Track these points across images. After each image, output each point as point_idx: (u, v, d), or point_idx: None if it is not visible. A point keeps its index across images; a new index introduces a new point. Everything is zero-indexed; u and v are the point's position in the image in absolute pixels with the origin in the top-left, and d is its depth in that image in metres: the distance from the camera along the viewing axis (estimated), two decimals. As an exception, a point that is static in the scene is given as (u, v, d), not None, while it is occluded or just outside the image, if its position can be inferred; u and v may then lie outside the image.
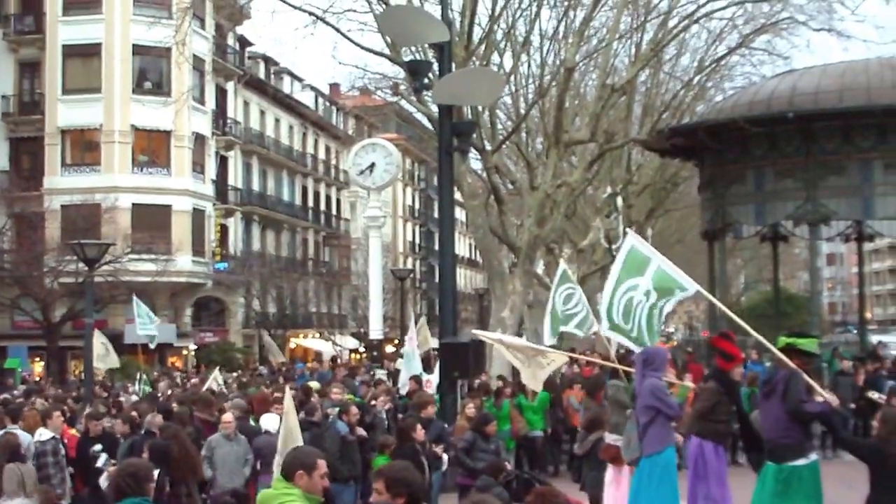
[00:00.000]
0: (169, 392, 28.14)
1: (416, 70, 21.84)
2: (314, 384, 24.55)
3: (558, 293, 17.68)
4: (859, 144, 32.20)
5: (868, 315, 66.17)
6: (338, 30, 30.19)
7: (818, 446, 24.35)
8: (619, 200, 45.91)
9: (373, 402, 21.44)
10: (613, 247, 41.86)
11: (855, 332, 44.84)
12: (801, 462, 12.63)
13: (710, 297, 15.68)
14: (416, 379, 23.46)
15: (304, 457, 8.34)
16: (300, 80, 79.47)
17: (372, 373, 30.54)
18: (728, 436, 15.46)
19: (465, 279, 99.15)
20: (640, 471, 13.21)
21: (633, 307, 13.76)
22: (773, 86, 34.04)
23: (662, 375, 13.57)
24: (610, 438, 15.25)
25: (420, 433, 15.60)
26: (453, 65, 23.35)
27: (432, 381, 23.38)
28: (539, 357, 15.70)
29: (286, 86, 76.75)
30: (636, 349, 13.92)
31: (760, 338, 14.41)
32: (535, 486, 12.99)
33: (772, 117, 32.22)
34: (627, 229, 18.23)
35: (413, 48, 29.71)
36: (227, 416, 17.24)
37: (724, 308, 16.35)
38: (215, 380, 28.21)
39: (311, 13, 29.84)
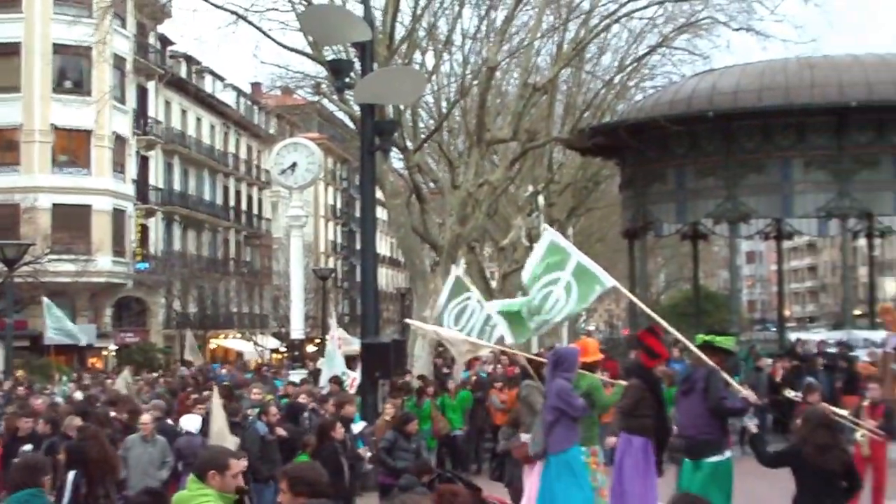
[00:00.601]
0: (79, 394, 27.70)
1: (337, 69, 21.77)
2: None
3: (448, 310, 17.09)
4: (778, 143, 32.57)
5: (787, 312, 66.95)
6: (259, 29, 30.02)
7: (736, 442, 24.72)
8: (541, 199, 46.09)
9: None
10: (535, 245, 41.95)
11: (774, 329, 45.33)
12: (717, 458, 12.75)
13: (628, 293, 15.75)
14: (336, 379, 23.27)
15: (217, 457, 8.33)
16: (222, 79, 78.97)
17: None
18: (654, 431, 15.53)
19: (387, 279, 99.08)
20: (547, 469, 13.25)
21: (551, 300, 13.77)
22: (693, 85, 34.32)
23: (572, 376, 13.57)
24: (525, 438, 15.28)
25: (339, 432, 15.52)
26: (375, 64, 23.29)
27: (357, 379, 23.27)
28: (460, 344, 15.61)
29: (208, 85, 76.22)
30: (509, 339, 13.88)
31: (679, 335, 14.49)
32: (457, 484, 12.95)
33: (692, 116, 32.50)
34: (545, 225, 18.05)
35: (335, 47, 29.61)
36: (145, 418, 17.02)
37: (641, 305, 16.44)
38: (124, 380, 27.93)
39: (232, 12, 29.66)
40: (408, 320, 18.19)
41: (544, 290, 13.87)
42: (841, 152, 32.01)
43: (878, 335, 30.11)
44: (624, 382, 15.68)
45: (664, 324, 14.25)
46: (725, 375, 12.89)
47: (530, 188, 45.84)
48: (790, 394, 23.26)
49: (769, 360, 28.13)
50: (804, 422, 11.25)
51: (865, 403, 15.62)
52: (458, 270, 17.69)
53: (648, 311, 15.28)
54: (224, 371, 35.55)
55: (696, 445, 12.92)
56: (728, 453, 12.96)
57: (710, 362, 12.78)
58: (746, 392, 13.19)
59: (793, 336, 36.97)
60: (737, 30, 34.30)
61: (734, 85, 32.88)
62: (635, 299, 17.42)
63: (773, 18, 34.06)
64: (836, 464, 10.76)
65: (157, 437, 16.71)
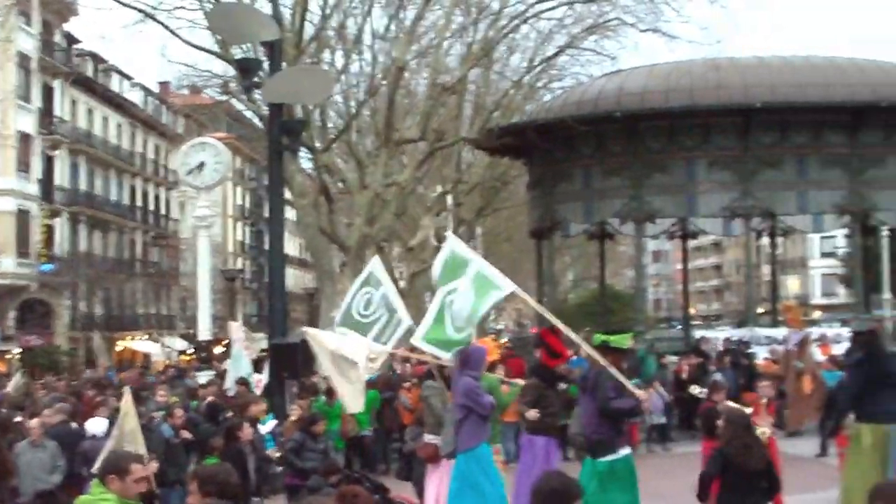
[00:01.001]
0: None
1: (245, 68, 21.62)
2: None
3: (360, 294, 16.82)
4: (684, 143, 32.98)
5: (692, 311, 67.68)
6: (167, 27, 29.83)
7: (643, 440, 24.97)
8: (449, 199, 46.16)
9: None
10: (443, 245, 41.98)
11: (679, 327, 45.81)
12: (611, 457, 12.83)
13: (526, 296, 15.73)
14: (242, 381, 23.03)
15: (118, 461, 8.29)
16: (129, 77, 78.02)
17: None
18: (558, 429, 15.65)
19: (296, 279, 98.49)
20: (457, 467, 13.29)
21: (453, 306, 13.75)
22: (600, 86, 34.60)
23: (479, 374, 13.62)
24: (428, 438, 15.32)
25: (247, 433, 15.43)
26: (284, 63, 23.20)
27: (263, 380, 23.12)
28: (351, 371, 15.39)
29: (115, 84, 75.28)
30: (445, 356, 13.80)
31: (573, 335, 14.59)
32: (364, 485, 12.94)
33: (599, 117, 32.80)
34: (448, 233, 17.99)
35: (243, 46, 29.43)
36: (33, 422, 16.77)
37: (536, 305, 16.63)
38: (16, 383, 27.54)
39: (140, 10, 29.47)
40: (305, 328, 17.95)
41: (450, 298, 13.83)
42: (745, 153, 32.50)
43: (781, 332, 30.57)
44: (518, 381, 15.76)
45: (559, 324, 14.28)
46: (619, 375, 12.95)
47: (439, 188, 45.90)
48: (695, 391, 23.64)
49: (674, 358, 28.44)
50: (727, 423, 11.28)
51: (763, 401, 15.81)
52: (375, 264, 17.52)
53: (544, 311, 15.31)
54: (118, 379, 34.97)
55: (591, 444, 13.03)
56: (623, 451, 13.01)
57: (604, 362, 12.85)
58: (639, 392, 13.28)
59: (697, 334, 37.40)
60: (644, 31, 34.68)
61: (641, 86, 33.21)
62: (532, 301, 17.33)
63: (679, 20, 34.53)
64: (762, 463, 10.84)
65: (47, 442, 16.44)
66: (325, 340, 15.40)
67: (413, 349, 15.59)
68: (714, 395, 15.84)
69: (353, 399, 15.31)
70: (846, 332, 29.55)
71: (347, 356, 14.81)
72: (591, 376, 13.17)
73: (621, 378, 12.99)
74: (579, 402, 14.18)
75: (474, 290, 13.44)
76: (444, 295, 13.59)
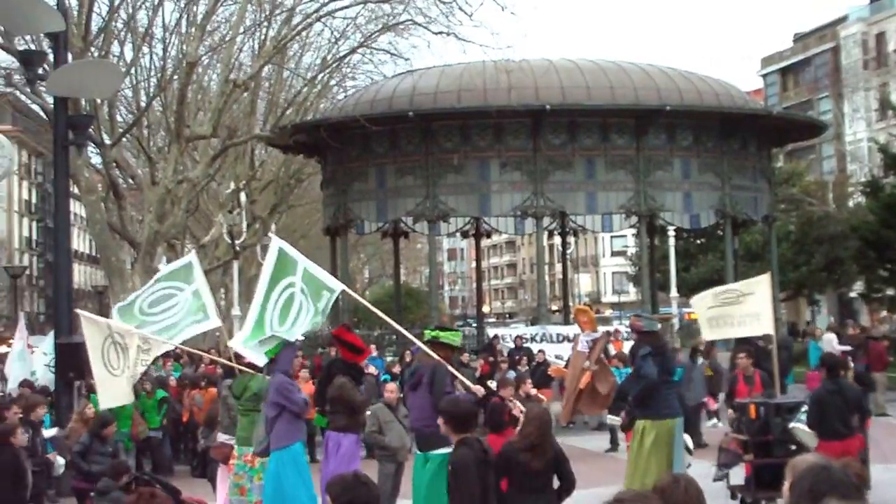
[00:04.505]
0: None
1: (29, 60, 21.08)
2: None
3: (155, 288, 16.27)
4: (476, 143, 33.36)
5: (486, 309, 68.60)
6: (-55, 15, 28.67)
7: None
8: (243, 196, 45.70)
9: None
10: (237, 242, 41.60)
11: (474, 325, 46.30)
12: (445, 450, 12.91)
13: (357, 296, 15.79)
14: (27, 382, 22.35)
15: None
16: None
17: None
18: (362, 427, 15.64)
19: (85, 276, 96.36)
20: (270, 466, 13.20)
21: (293, 303, 13.65)
22: (394, 85, 34.73)
23: (289, 371, 13.61)
24: (222, 437, 15.16)
25: (20, 439, 14.93)
26: (70, 55, 22.62)
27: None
28: (141, 357, 15.08)
29: None
30: (261, 361, 13.69)
31: (405, 332, 14.72)
32: (155, 486, 12.70)
33: (393, 116, 32.92)
34: (271, 234, 17.82)
35: (28, 37, 28.59)
36: None
37: (369, 305, 16.63)
38: None
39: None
40: (79, 311, 17.43)
41: (285, 294, 13.71)
42: (536, 154, 33.02)
43: (572, 330, 31.21)
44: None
45: (392, 322, 14.44)
46: (452, 370, 13.20)
47: (232, 185, 45.39)
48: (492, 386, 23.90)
49: (468, 355, 28.73)
50: (527, 419, 11.23)
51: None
52: (190, 258, 17.14)
53: (378, 311, 15.52)
54: None
55: (423, 438, 13.14)
56: None
57: (437, 357, 13.04)
58: (474, 387, 13.51)
59: (491, 332, 37.85)
60: (437, 33, 34.82)
61: (434, 86, 33.47)
62: (362, 300, 17.42)
63: (471, 24, 34.73)
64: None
65: None
66: (101, 321, 15.15)
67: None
68: (502, 390, 16.00)
69: (110, 393, 15.03)
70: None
71: (122, 331, 14.58)
72: (424, 371, 13.27)
73: (455, 373, 13.20)
74: (406, 398, 14.33)
75: (308, 290, 13.42)
76: (280, 291, 13.50)
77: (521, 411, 14.53)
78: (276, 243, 14.38)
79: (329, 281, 14.00)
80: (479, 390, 13.56)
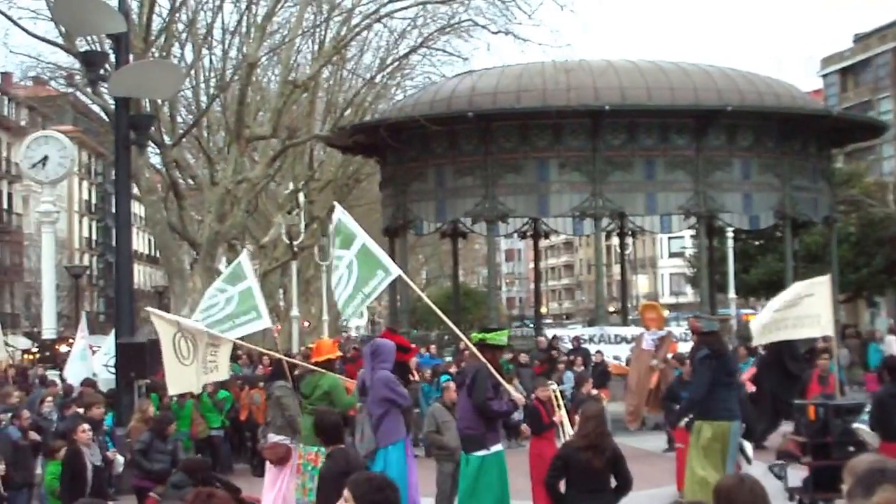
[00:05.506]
0: None
1: (91, 61, 21.23)
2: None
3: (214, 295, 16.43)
4: (535, 144, 33.25)
5: (543, 310, 68.43)
6: (8, 17, 28.99)
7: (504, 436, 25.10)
8: (302, 196, 45.90)
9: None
10: (295, 243, 41.77)
11: (532, 326, 46.20)
12: (482, 453, 12.93)
13: (418, 290, 15.78)
14: (88, 381, 22.52)
15: None
16: (-31, 68, 76.00)
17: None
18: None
19: (144, 276, 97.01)
20: (377, 463, 13.15)
21: (335, 276, 13.75)
22: (453, 85, 34.72)
23: (391, 366, 13.59)
24: (273, 438, 15.16)
25: (84, 436, 15.06)
26: (131, 56, 22.77)
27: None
28: (210, 353, 15.13)
29: (-46, 74, 73.31)
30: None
31: (460, 333, 14.72)
32: (215, 485, 12.76)
33: (452, 116, 32.87)
34: (335, 202, 17.87)
35: (89, 38, 28.82)
36: None
37: (429, 302, 16.54)
38: None
39: (-23, 0, 28.59)
40: (150, 309, 17.60)
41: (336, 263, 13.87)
42: (595, 154, 32.85)
43: (630, 331, 31.08)
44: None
45: (448, 321, 14.47)
46: (497, 374, 13.13)
47: (291, 185, 45.59)
48: (552, 387, 23.83)
49: (526, 356, 28.69)
50: (584, 419, 11.11)
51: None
52: (243, 258, 17.19)
53: (432, 305, 15.51)
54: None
55: (464, 439, 13.19)
56: (495, 448, 13.14)
57: (483, 359, 12.99)
58: (515, 394, 13.43)
59: (549, 332, 37.74)
60: (496, 33, 34.84)
61: (493, 86, 33.41)
62: (426, 297, 17.45)
63: (530, 23, 34.69)
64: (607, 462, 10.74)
65: None
66: (170, 317, 15.24)
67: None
68: (540, 392, 15.87)
69: (178, 380, 15.10)
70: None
71: (192, 328, 14.67)
72: (468, 372, 13.24)
73: (497, 376, 13.14)
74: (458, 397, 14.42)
75: (357, 264, 13.38)
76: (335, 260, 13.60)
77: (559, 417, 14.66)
78: (337, 213, 14.44)
79: (387, 261, 13.96)
80: (520, 399, 13.49)
